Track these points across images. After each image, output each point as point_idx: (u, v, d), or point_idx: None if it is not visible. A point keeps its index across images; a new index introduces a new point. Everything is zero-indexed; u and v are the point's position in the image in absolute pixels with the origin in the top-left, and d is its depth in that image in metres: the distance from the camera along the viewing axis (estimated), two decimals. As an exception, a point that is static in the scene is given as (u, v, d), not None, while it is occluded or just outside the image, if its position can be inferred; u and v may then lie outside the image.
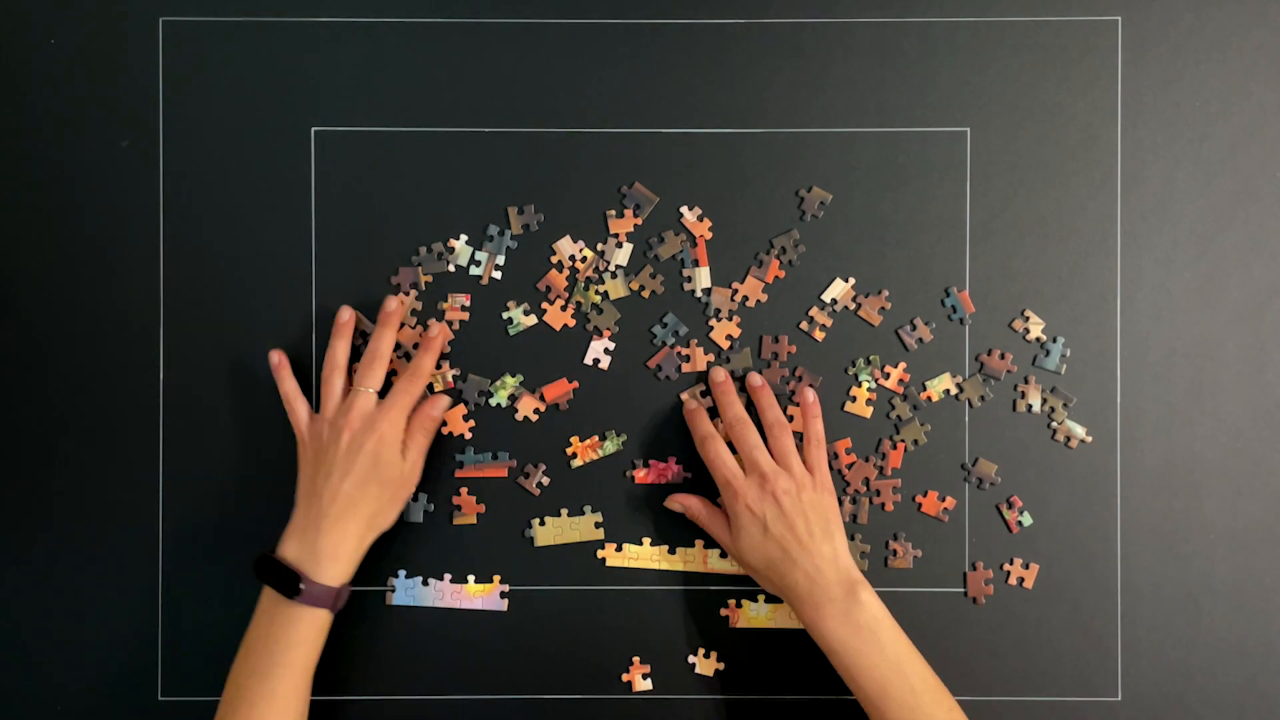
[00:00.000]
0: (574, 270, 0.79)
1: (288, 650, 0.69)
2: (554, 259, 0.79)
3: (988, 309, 0.79)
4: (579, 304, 0.78)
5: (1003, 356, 0.78)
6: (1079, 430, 0.78)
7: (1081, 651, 0.78)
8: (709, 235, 0.79)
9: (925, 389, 0.78)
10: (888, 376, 0.79)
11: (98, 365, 0.78)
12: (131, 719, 0.78)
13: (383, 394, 0.75)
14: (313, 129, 0.79)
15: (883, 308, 0.79)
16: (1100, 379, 0.79)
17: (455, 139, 0.79)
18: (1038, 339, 0.79)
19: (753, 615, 0.78)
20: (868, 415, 0.79)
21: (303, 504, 0.73)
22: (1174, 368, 0.78)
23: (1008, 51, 0.79)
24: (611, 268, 0.79)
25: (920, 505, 0.78)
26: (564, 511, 0.79)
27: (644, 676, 0.78)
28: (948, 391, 0.79)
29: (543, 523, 0.79)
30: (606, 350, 0.79)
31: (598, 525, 0.79)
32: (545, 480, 0.78)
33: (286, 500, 0.76)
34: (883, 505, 0.78)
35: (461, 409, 0.78)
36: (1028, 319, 0.78)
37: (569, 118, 0.79)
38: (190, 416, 0.78)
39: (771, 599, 0.78)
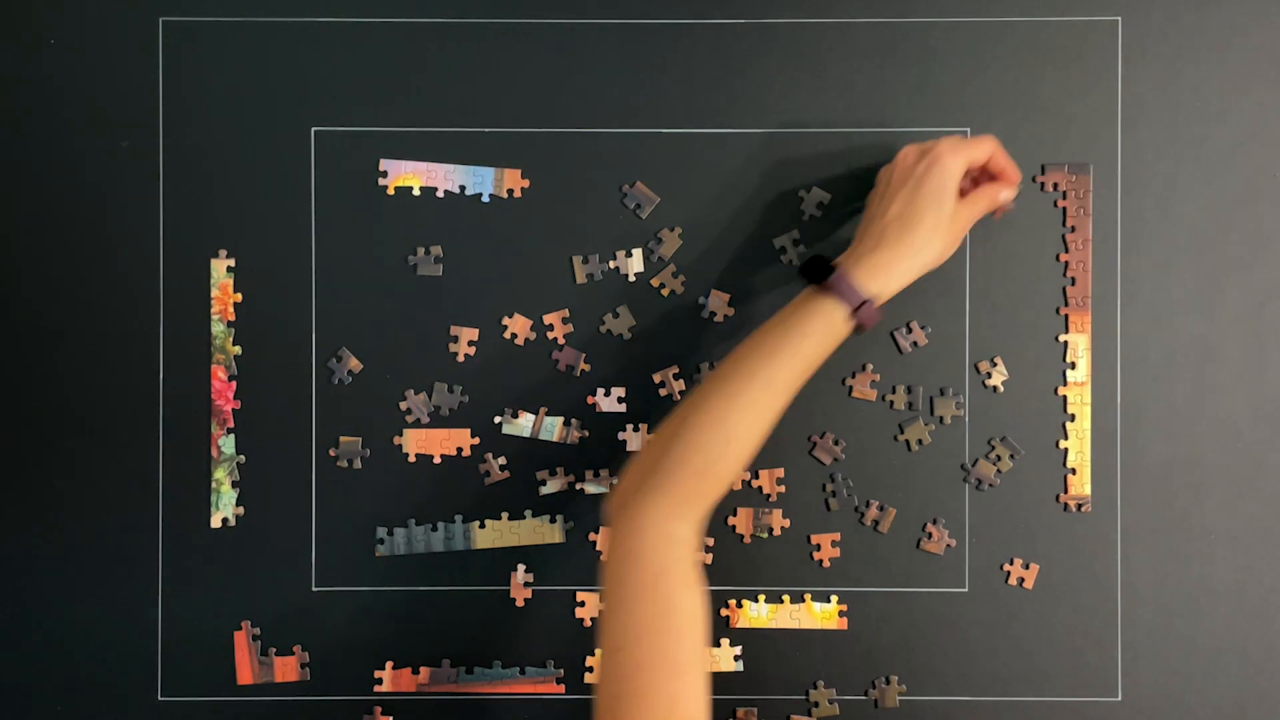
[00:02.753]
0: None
1: (800, 339, 0.67)
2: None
3: (987, 309, 0.79)
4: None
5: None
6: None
7: (1081, 651, 0.78)
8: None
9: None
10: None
11: (98, 365, 0.78)
12: (131, 719, 0.78)
13: None
14: (313, 129, 0.79)
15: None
16: (1100, 379, 0.78)
17: (455, 139, 0.79)
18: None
19: (753, 615, 0.78)
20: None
21: (864, 227, 0.71)
22: (1174, 368, 0.78)
23: (1008, 51, 0.79)
24: (631, 276, 0.79)
25: (922, 541, 0.79)
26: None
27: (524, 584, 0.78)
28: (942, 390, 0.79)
29: (550, 519, 0.79)
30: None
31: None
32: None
33: (287, 500, 0.75)
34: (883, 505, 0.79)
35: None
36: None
37: (569, 118, 0.79)
38: (191, 416, 0.78)
39: (771, 599, 0.78)
